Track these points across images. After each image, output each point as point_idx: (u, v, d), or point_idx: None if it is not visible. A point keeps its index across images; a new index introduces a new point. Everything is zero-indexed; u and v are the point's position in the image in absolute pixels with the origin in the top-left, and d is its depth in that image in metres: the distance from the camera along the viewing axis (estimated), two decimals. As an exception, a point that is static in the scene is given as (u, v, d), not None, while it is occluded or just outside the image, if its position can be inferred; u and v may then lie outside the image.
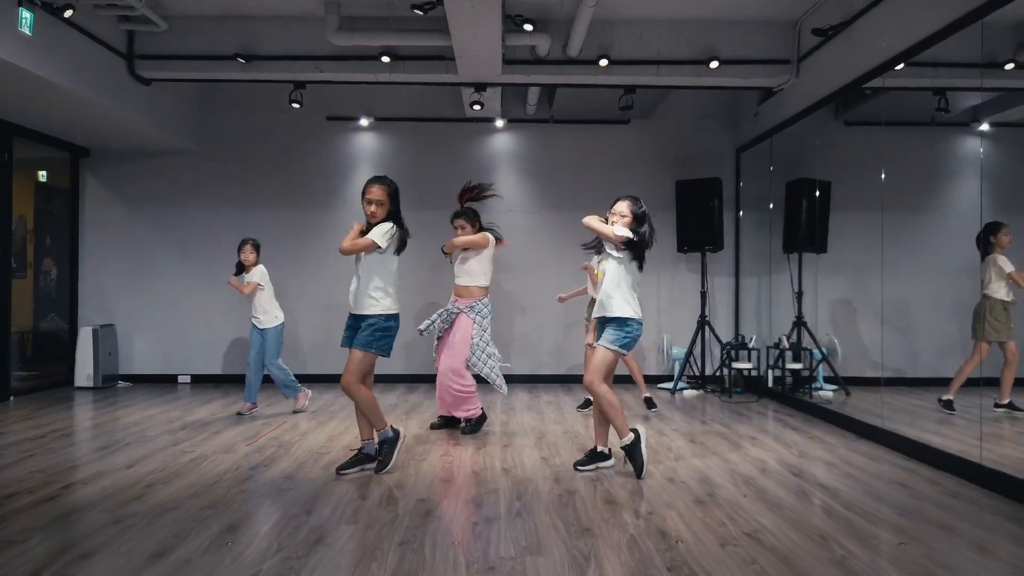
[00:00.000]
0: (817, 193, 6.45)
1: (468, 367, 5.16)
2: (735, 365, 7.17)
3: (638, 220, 4.04)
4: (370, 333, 3.98)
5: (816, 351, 6.60)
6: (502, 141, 8.18)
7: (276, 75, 6.44)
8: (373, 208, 4.01)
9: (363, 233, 4.04)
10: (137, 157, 7.94)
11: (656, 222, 4.25)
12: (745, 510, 3.48)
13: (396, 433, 4.20)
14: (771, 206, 7.19)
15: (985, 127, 5.20)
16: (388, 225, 4.00)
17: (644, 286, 4.19)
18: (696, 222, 7.49)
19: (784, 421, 5.88)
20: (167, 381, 7.93)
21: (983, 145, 5.24)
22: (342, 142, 8.10)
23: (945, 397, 5.20)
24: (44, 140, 7.25)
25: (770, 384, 7.03)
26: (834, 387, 6.60)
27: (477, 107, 7.08)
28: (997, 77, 4.54)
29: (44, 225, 7.79)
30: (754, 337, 7.39)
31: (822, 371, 6.70)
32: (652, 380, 7.84)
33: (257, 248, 6.03)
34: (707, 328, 7.62)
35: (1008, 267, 4.93)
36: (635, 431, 4.08)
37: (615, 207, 4.09)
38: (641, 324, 4.10)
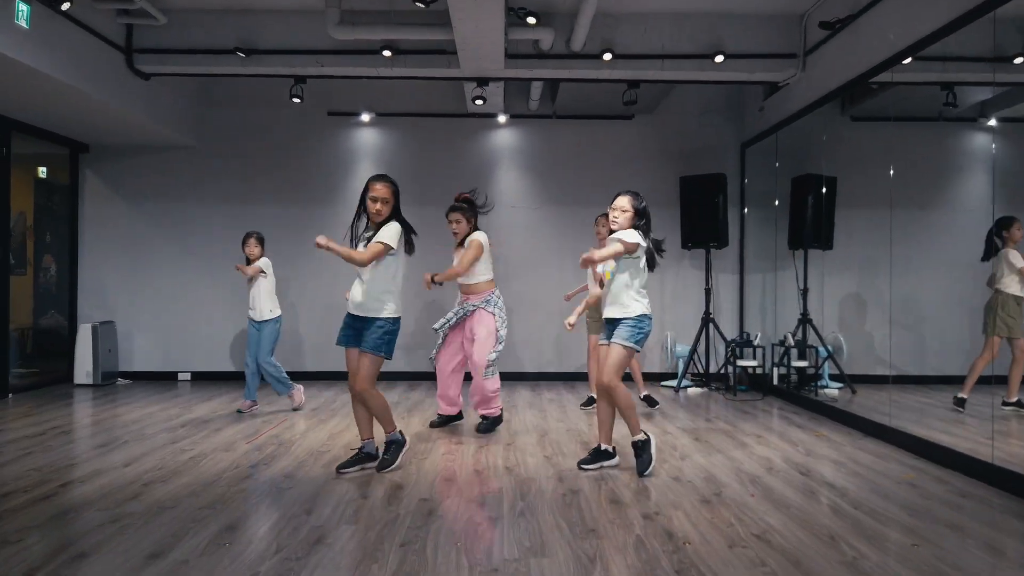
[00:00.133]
0: (823, 189, 6.40)
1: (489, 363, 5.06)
2: (740, 363, 7.11)
3: (639, 214, 4.08)
4: (379, 336, 3.95)
5: (822, 348, 6.55)
6: (504, 137, 8.12)
7: (276, 69, 6.38)
8: (379, 206, 3.97)
9: (353, 238, 4.05)
10: (137, 153, 7.89)
11: (660, 218, 4.24)
12: (752, 510, 3.43)
13: (404, 439, 4.21)
14: (776, 202, 7.13)
15: (993, 122, 5.14)
16: (395, 226, 3.98)
17: (648, 283, 4.15)
18: (700, 218, 7.42)
19: (789, 419, 5.83)
20: (167, 378, 7.88)
21: (994, 140, 5.17)
22: (343, 137, 8.04)
23: (960, 395, 5.13)
24: (43, 135, 7.20)
25: (775, 382, 6.97)
26: (840, 385, 6.54)
27: (479, 102, 7.01)
28: (1007, 71, 4.48)
29: (43, 221, 7.74)
30: (759, 334, 7.32)
31: (828, 369, 6.64)
32: (656, 378, 7.79)
33: (261, 241, 5.96)
34: (711, 325, 7.56)
35: (1020, 262, 4.86)
36: (646, 434, 4.16)
37: (615, 202, 4.12)
38: (652, 319, 4.12)
